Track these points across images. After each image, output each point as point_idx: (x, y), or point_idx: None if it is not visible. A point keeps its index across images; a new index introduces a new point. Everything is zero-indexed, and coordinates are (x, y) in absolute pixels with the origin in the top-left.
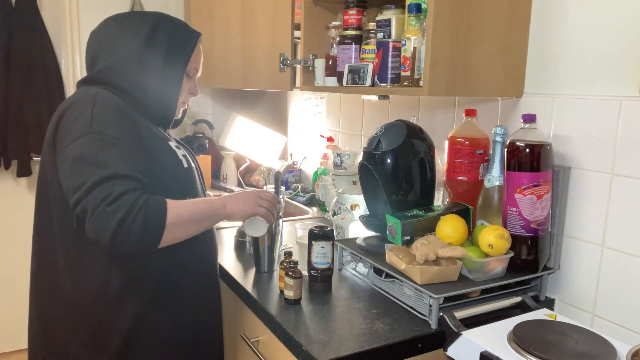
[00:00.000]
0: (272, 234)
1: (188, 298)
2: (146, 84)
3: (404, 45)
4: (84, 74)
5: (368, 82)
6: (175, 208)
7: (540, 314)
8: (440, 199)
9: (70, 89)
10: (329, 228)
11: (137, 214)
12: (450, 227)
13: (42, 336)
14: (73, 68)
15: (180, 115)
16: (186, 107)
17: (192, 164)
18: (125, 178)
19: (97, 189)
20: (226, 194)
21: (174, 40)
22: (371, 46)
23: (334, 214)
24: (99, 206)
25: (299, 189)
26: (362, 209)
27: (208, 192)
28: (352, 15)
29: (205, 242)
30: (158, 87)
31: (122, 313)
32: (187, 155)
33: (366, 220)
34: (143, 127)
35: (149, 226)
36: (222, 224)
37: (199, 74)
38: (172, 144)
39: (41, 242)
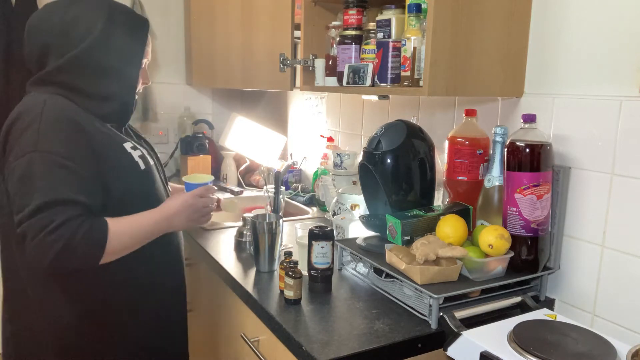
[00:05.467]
0: (272, 234)
1: (150, 323)
2: (104, 77)
3: (404, 45)
4: None
5: (368, 82)
6: (117, 232)
7: (540, 314)
8: (440, 199)
9: None
10: (329, 228)
11: (78, 244)
12: (450, 227)
13: (14, 341)
14: None
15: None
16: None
17: (151, 163)
18: (67, 204)
19: (38, 215)
20: (225, 194)
21: (130, 28)
22: (371, 46)
23: (334, 214)
24: (38, 234)
25: (299, 189)
26: (362, 209)
27: (171, 184)
28: (352, 15)
29: (170, 260)
30: (117, 78)
31: (87, 325)
32: (146, 155)
33: (366, 220)
34: (95, 133)
35: (88, 253)
36: (221, 224)
37: (148, 62)
38: (128, 145)
39: (6, 251)
